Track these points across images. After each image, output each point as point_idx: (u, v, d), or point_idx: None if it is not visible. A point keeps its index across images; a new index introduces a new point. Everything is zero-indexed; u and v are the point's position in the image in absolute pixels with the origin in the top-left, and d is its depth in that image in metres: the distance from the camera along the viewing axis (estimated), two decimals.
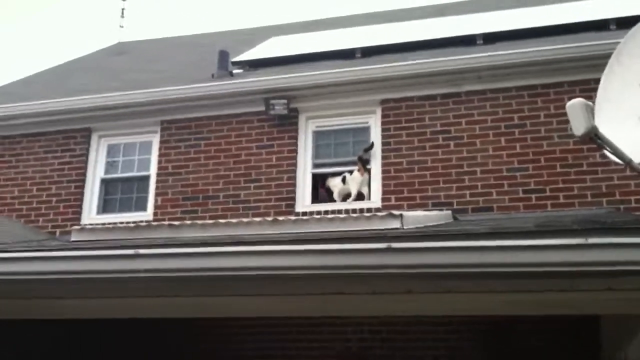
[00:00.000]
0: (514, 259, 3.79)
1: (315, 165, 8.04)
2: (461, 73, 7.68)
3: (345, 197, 7.71)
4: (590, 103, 3.90)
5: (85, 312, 4.92)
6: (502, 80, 7.59)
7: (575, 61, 7.30)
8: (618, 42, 4.65)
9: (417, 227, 5.44)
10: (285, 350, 7.02)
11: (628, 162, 3.91)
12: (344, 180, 7.73)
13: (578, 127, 3.80)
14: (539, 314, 5.49)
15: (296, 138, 8.07)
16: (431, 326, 6.75)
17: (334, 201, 7.73)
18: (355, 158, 7.85)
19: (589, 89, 6.51)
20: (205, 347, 7.12)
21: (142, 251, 4.21)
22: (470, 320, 6.62)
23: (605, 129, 3.85)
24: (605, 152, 4.05)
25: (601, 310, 4.68)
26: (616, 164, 6.62)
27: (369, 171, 7.72)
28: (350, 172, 7.77)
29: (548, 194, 7.07)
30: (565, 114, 6.95)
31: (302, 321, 6.93)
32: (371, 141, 7.84)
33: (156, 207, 8.10)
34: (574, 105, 3.82)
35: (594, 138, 3.84)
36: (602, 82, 4.35)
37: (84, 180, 8.50)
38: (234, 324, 7.01)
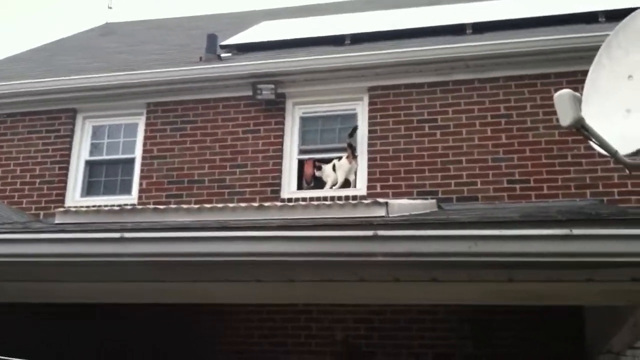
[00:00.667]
0: (500, 248, 3.83)
1: (302, 152, 8.02)
2: (449, 62, 7.67)
3: (334, 185, 7.71)
4: (578, 94, 3.92)
5: (70, 296, 4.92)
6: (489, 70, 7.60)
7: (564, 52, 7.32)
8: (607, 35, 4.65)
9: (402, 216, 5.45)
10: (271, 338, 7.03)
11: (614, 154, 3.94)
12: (334, 168, 7.72)
13: (565, 118, 3.82)
14: (524, 304, 5.54)
15: (283, 124, 8.04)
16: (417, 315, 6.78)
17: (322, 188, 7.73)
18: (341, 145, 7.85)
19: (576, 81, 6.54)
20: (190, 335, 7.11)
21: (127, 234, 4.21)
22: (457, 309, 6.67)
23: (592, 121, 3.88)
24: (592, 143, 4.07)
25: (584, 301, 4.74)
26: (601, 155, 6.72)
27: (356, 158, 7.71)
28: (339, 158, 7.75)
29: (532, 184, 7.11)
30: (551, 105, 6.99)
31: (288, 309, 6.98)
32: (355, 124, 7.81)
33: (141, 190, 8.06)
34: (562, 95, 3.84)
35: (580, 129, 3.86)
36: (590, 73, 4.37)
37: (68, 162, 8.42)
38: (218, 311, 7.01)
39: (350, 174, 7.68)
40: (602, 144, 4.01)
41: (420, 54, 7.74)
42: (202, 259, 4.12)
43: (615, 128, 3.99)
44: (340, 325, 6.92)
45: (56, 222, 5.65)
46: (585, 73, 4.73)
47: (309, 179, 7.84)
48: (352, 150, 7.69)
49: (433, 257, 3.93)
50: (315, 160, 7.94)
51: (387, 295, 4.66)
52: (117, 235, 4.21)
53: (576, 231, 3.74)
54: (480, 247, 3.83)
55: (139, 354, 6.82)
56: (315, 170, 7.83)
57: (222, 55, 8.98)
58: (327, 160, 7.86)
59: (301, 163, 7.97)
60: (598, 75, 4.34)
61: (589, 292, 4.11)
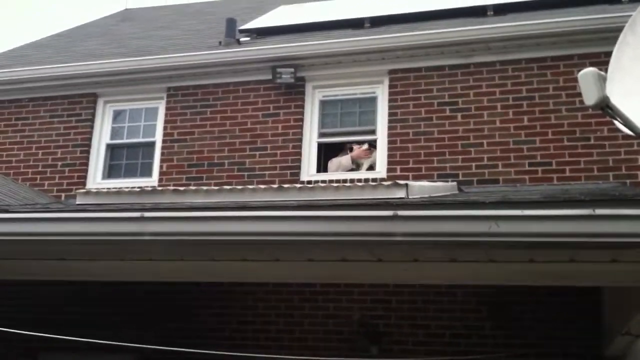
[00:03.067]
0: (521, 228, 3.80)
1: (321, 135, 8.01)
2: (470, 44, 7.60)
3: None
4: (603, 73, 3.85)
5: (90, 274, 4.97)
6: (511, 52, 7.51)
7: (587, 34, 7.22)
8: (630, 15, 4.58)
9: (422, 197, 5.42)
10: (288, 317, 7.05)
11: (639, 133, 3.88)
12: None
13: (590, 97, 3.76)
14: (543, 285, 5.51)
15: (302, 107, 8.03)
16: (434, 296, 6.76)
17: None
18: (361, 128, 7.88)
19: (599, 62, 6.44)
20: (209, 312, 7.17)
21: (147, 214, 4.23)
22: (474, 291, 6.64)
23: (617, 100, 3.81)
24: (616, 122, 4.01)
25: (608, 282, 4.69)
26: (625, 137, 6.65)
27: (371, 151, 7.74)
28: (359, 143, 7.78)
29: (554, 167, 7.04)
30: (574, 87, 7.04)
31: (306, 289, 6.99)
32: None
33: (161, 173, 8.10)
34: (586, 74, 3.77)
35: (605, 108, 3.80)
36: (614, 52, 4.29)
37: (89, 145, 8.48)
38: (237, 290, 7.05)
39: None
40: (627, 123, 3.94)
41: (441, 36, 7.67)
42: (221, 238, 4.12)
43: None
44: (357, 305, 6.92)
45: (77, 203, 5.69)
46: (608, 54, 4.66)
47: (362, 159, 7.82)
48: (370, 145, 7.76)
49: (453, 238, 3.91)
50: (334, 144, 7.94)
51: (405, 275, 4.65)
52: (137, 214, 4.23)
53: (599, 211, 3.70)
54: (502, 228, 3.80)
55: (154, 328, 6.89)
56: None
57: (241, 39, 8.97)
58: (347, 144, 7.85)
59: (321, 146, 7.95)
60: (623, 53, 4.27)
61: (613, 273, 4.06)
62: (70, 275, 5.01)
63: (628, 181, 6.78)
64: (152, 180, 8.13)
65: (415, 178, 7.18)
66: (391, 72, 7.85)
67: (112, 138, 8.61)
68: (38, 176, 8.38)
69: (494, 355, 6.38)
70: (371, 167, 7.70)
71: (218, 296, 7.12)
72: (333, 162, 7.84)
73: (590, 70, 3.79)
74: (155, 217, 4.23)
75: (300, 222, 4.06)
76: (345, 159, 7.80)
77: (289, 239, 4.08)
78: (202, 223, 4.16)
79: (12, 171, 8.47)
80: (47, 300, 7.39)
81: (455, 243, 3.93)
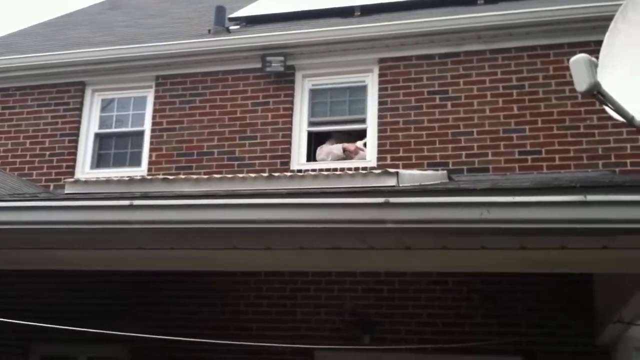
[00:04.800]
0: (512, 215, 3.79)
1: (311, 124, 7.98)
2: (461, 33, 7.58)
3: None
4: (594, 59, 3.83)
5: (80, 264, 4.93)
6: (501, 41, 7.50)
7: (577, 22, 7.22)
8: (621, 4, 4.56)
9: (413, 185, 5.41)
10: (280, 307, 7.05)
11: (630, 120, 3.86)
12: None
13: (581, 83, 3.73)
14: (535, 272, 5.52)
15: (292, 96, 8.00)
16: (426, 285, 6.77)
17: None
18: (351, 117, 7.88)
19: (589, 51, 6.27)
20: (200, 302, 7.15)
21: (136, 202, 4.19)
22: (466, 280, 6.66)
23: (609, 86, 3.79)
24: (607, 109, 3.99)
25: (600, 269, 4.69)
26: (615, 125, 6.68)
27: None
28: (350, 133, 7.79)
29: (544, 155, 7.05)
30: (564, 76, 7.04)
31: (298, 278, 7.00)
32: None
33: (150, 162, 8.05)
34: (578, 60, 3.75)
35: (596, 94, 3.77)
36: (606, 38, 4.27)
37: (77, 135, 8.42)
38: (229, 279, 7.04)
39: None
40: (618, 109, 3.92)
41: (431, 24, 7.65)
42: (211, 226, 4.09)
43: (632, 93, 3.90)
44: (349, 294, 6.93)
45: (66, 192, 5.64)
46: (598, 43, 4.64)
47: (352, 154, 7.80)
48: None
49: (444, 224, 3.89)
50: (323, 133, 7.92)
51: (397, 263, 4.64)
52: (126, 202, 4.20)
53: (590, 197, 3.69)
54: (493, 214, 3.79)
55: (146, 318, 6.87)
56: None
57: (231, 27, 8.91)
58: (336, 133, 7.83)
59: (311, 135, 7.93)
60: (614, 40, 4.25)
61: (604, 260, 4.06)
62: (60, 265, 4.96)
63: (617, 169, 6.81)
64: (142, 170, 8.09)
65: (406, 167, 7.16)
66: (381, 60, 7.82)
67: (100, 127, 8.55)
68: (26, 166, 8.32)
69: (485, 343, 6.40)
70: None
71: (209, 286, 7.10)
72: (323, 149, 7.81)
73: (581, 56, 3.77)
74: (144, 205, 4.19)
75: (291, 210, 4.03)
76: (336, 148, 7.77)
77: (280, 226, 4.05)
78: (191, 211, 4.13)
79: None
80: (37, 291, 7.36)
81: (446, 230, 3.92)
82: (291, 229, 4.06)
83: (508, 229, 3.82)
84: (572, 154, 7.01)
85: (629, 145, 6.83)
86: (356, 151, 7.69)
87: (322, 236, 4.11)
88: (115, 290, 7.22)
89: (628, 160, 6.84)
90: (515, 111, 7.28)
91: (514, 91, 7.35)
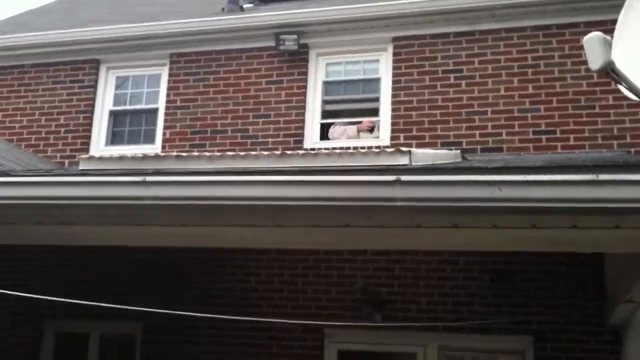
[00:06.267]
0: (524, 194, 3.78)
1: (325, 102, 7.97)
2: (476, 11, 7.51)
3: None
4: (609, 37, 3.80)
5: (93, 239, 4.98)
6: (517, 20, 7.43)
7: (593, 1, 7.14)
8: None
9: (424, 164, 5.40)
10: (291, 285, 7.09)
11: None
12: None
13: (595, 61, 3.71)
14: (546, 252, 5.51)
15: (306, 74, 7.98)
16: (438, 264, 6.79)
17: None
18: (365, 95, 7.86)
19: (605, 30, 6.20)
20: (212, 279, 7.21)
21: (149, 178, 4.22)
22: (477, 260, 6.66)
23: (623, 65, 3.77)
24: (621, 88, 3.97)
25: (611, 248, 4.68)
26: (630, 105, 6.62)
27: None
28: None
29: (558, 135, 7.01)
30: (580, 55, 6.97)
31: (309, 257, 7.03)
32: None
33: (164, 140, 8.08)
34: (592, 39, 3.72)
35: (610, 73, 3.75)
36: (620, 17, 4.23)
37: (92, 112, 8.46)
38: (240, 257, 7.09)
39: None
40: (633, 88, 3.90)
41: (446, 3, 7.58)
42: (223, 203, 4.12)
43: None
44: (361, 273, 6.96)
45: (80, 168, 5.69)
46: (615, 22, 4.58)
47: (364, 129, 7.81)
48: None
49: (455, 203, 3.90)
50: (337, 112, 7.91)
51: (407, 241, 4.66)
52: (139, 178, 4.22)
53: (603, 176, 3.68)
54: (505, 193, 3.79)
55: (159, 295, 6.94)
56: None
57: (244, 5, 8.91)
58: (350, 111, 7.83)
59: (324, 114, 7.91)
60: (629, 18, 4.21)
61: (616, 239, 4.05)
62: (73, 241, 5.02)
63: (632, 149, 6.75)
64: (155, 147, 8.13)
65: (419, 146, 7.15)
66: (395, 39, 7.78)
67: (115, 104, 8.58)
68: (41, 142, 8.37)
69: (495, 322, 6.41)
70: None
71: (221, 263, 7.15)
72: (336, 129, 7.80)
73: (595, 34, 3.74)
74: (157, 181, 4.22)
75: (302, 187, 4.05)
76: (350, 129, 7.76)
77: (291, 204, 4.06)
78: (204, 187, 4.15)
79: (15, 137, 8.46)
80: (53, 267, 7.45)
81: (457, 209, 3.92)
82: (302, 206, 4.08)
83: (519, 207, 3.82)
84: (587, 134, 6.96)
85: None
86: (367, 126, 7.68)
87: (333, 214, 4.12)
88: (128, 267, 7.30)
89: None
90: (530, 90, 7.23)
91: (529, 70, 7.29)
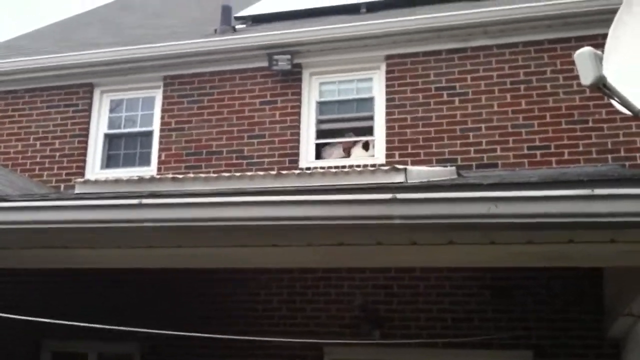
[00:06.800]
0: (520, 210, 3.78)
1: (319, 122, 7.99)
2: (467, 28, 7.57)
3: None
4: (599, 52, 3.83)
5: (91, 262, 4.97)
6: (508, 36, 7.49)
7: (584, 16, 7.19)
8: None
9: (421, 181, 5.41)
10: (290, 303, 7.08)
11: (636, 113, 3.87)
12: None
13: (586, 76, 3.75)
14: (543, 267, 5.51)
15: (300, 94, 8.01)
16: (436, 281, 6.78)
17: None
18: (359, 114, 7.89)
19: (596, 44, 6.28)
20: (211, 299, 7.19)
21: (145, 201, 4.22)
22: (476, 276, 6.66)
23: (614, 79, 3.80)
24: (613, 102, 4.00)
25: (607, 262, 4.69)
26: (623, 119, 6.66)
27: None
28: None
29: (553, 150, 7.03)
30: (572, 70, 7.01)
31: (308, 275, 7.03)
32: None
33: (160, 162, 8.09)
34: (583, 54, 3.76)
35: (602, 88, 3.79)
36: (610, 32, 4.28)
37: (87, 135, 8.48)
38: (239, 277, 7.07)
39: None
40: (625, 102, 3.93)
41: (437, 20, 7.64)
42: (219, 224, 4.11)
43: (637, 86, 3.90)
44: (359, 291, 6.95)
45: (76, 192, 5.68)
46: (606, 36, 4.65)
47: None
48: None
49: (452, 220, 3.89)
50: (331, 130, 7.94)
51: (404, 258, 4.65)
52: (135, 201, 4.22)
53: (598, 191, 3.68)
54: (501, 209, 3.79)
55: (157, 316, 6.92)
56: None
57: (237, 26, 8.95)
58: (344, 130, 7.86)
59: (319, 133, 7.94)
60: (619, 33, 4.26)
61: (612, 253, 4.05)
62: (70, 263, 5.00)
63: (627, 163, 6.78)
64: (151, 170, 8.13)
65: (414, 163, 7.17)
66: (388, 57, 7.83)
67: (109, 128, 8.60)
68: (37, 167, 8.38)
69: (495, 338, 6.40)
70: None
71: (219, 283, 7.14)
72: (332, 152, 7.84)
73: (586, 49, 3.78)
74: (153, 203, 4.22)
75: (299, 207, 4.05)
76: (337, 153, 7.82)
77: (288, 223, 4.06)
78: (200, 209, 4.15)
79: (10, 162, 8.47)
80: (51, 289, 7.42)
81: (453, 225, 3.92)
82: (299, 225, 4.07)
83: (516, 223, 3.82)
84: (581, 149, 6.99)
85: (638, 139, 6.81)
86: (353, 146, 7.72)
87: (330, 233, 4.12)
88: (126, 289, 7.27)
89: (638, 154, 6.81)
90: (524, 106, 7.27)
91: (522, 86, 7.33)
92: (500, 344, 6.44)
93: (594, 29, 7.03)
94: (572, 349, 6.34)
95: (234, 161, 7.83)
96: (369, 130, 7.81)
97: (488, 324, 6.59)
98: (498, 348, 6.48)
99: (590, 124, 7.02)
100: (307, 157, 7.79)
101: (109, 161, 8.48)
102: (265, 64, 8.02)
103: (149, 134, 8.39)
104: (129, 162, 8.40)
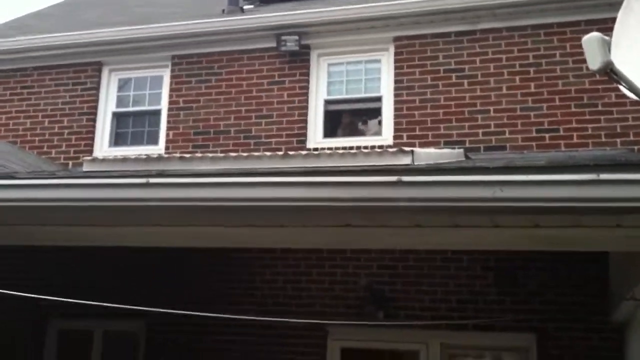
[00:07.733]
0: (526, 194, 3.79)
1: (327, 102, 7.99)
2: (476, 10, 7.52)
3: None
4: (607, 38, 3.81)
5: (97, 240, 5.01)
6: (518, 18, 7.44)
7: None
8: None
9: (427, 164, 5.42)
10: (295, 283, 7.12)
11: None
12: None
13: (594, 62, 3.73)
14: (548, 250, 5.53)
15: (308, 75, 8.00)
16: (441, 262, 6.81)
17: None
18: (367, 95, 7.88)
19: (606, 28, 6.26)
20: (216, 278, 7.24)
21: (152, 180, 4.25)
22: (481, 257, 6.68)
23: (622, 64, 3.78)
24: (621, 87, 3.98)
25: (612, 247, 4.70)
26: (632, 103, 6.62)
27: None
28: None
29: (562, 133, 7.01)
30: (581, 54, 6.86)
31: (313, 255, 7.06)
32: None
33: (167, 141, 8.12)
34: (590, 39, 3.74)
35: (609, 73, 3.77)
36: (619, 17, 4.24)
37: (95, 114, 8.51)
38: (244, 256, 7.11)
39: None
40: (632, 88, 3.91)
41: (446, 2, 7.59)
42: (225, 204, 4.14)
43: None
44: (364, 271, 6.99)
45: (84, 170, 5.71)
46: (615, 20, 4.61)
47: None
48: None
49: (457, 203, 3.91)
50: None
51: (408, 241, 4.68)
52: (142, 180, 4.25)
53: (604, 176, 3.68)
54: (506, 193, 3.79)
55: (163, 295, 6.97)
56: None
57: (245, 7, 8.93)
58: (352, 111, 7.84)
59: (327, 113, 7.94)
60: (627, 19, 4.22)
61: (617, 238, 4.06)
62: (77, 241, 5.05)
63: (636, 147, 6.75)
64: (159, 148, 8.16)
65: (422, 145, 7.17)
66: (396, 39, 7.80)
67: (118, 106, 8.62)
68: (45, 144, 8.42)
69: (499, 320, 6.43)
70: None
71: (225, 262, 7.18)
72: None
73: (594, 35, 3.76)
74: (160, 183, 4.24)
75: (305, 188, 4.07)
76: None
77: (294, 204, 4.09)
78: (207, 189, 4.18)
79: (19, 139, 8.51)
80: (57, 267, 7.48)
81: (458, 209, 3.93)
82: (305, 207, 4.10)
83: (521, 207, 3.83)
84: (590, 132, 6.97)
85: None
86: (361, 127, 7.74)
87: (336, 214, 4.15)
88: (132, 267, 7.31)
89: None
90: (533, 89, 7.24)
91: (531, 69, 7.30)
92: (504, 327, 6.47)
93: (604, 12, 6.97)
94: (575, 332, 6.37)
95: (242, 141, 7.84)
96: (377, 112, 7.80)
97: (492, 306, 6.62)
98: (502, 330, 6.52)
99: (600, 108, 6.99)
100: (314, 137, 7.80)
101: (117, 139, 8.52)
102: (273, 44, 8.01)
103: (157, 112, 8.41)
104: (136, 140, 8.43)
